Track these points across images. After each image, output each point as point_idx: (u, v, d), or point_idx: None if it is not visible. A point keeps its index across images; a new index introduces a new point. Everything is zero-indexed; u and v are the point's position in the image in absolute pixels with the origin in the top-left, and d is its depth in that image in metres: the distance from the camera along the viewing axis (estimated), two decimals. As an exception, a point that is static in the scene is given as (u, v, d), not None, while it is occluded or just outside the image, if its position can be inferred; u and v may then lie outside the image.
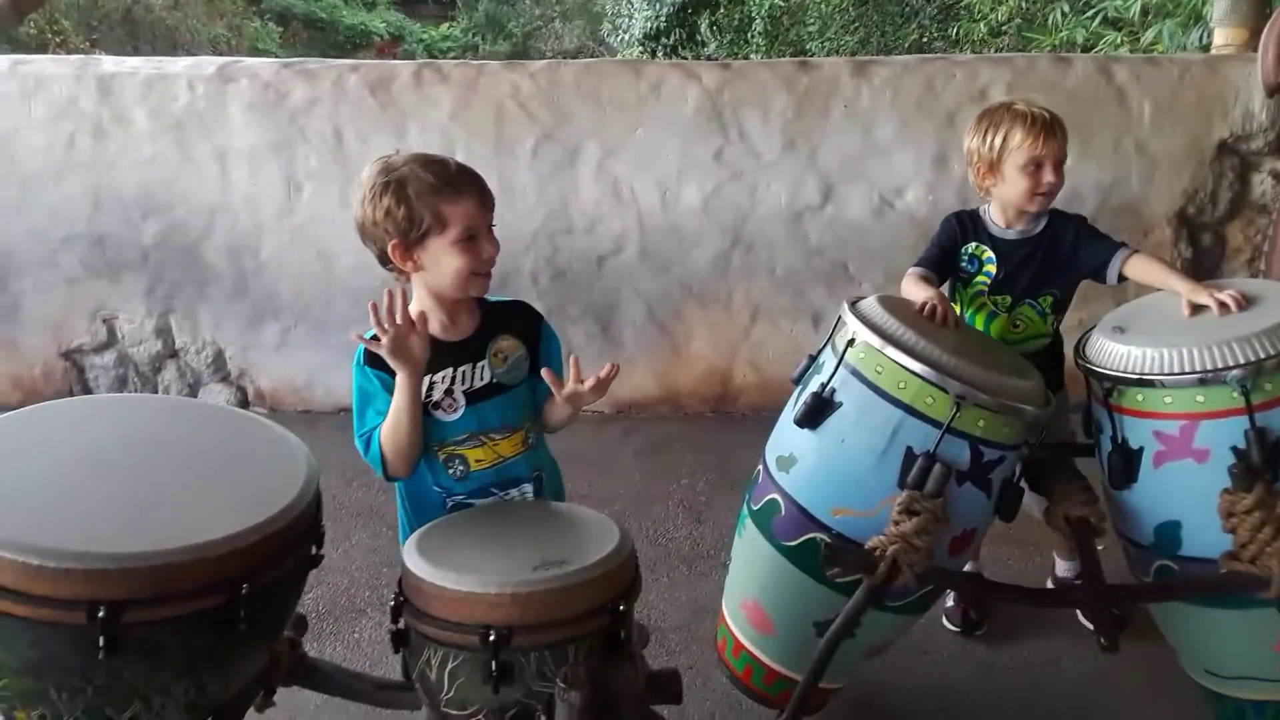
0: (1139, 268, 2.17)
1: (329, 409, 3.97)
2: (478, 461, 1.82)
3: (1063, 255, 2.28)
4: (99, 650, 1.29)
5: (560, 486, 2.00)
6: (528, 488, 1.88)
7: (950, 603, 2.56)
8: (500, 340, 1.84)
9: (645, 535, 3.09)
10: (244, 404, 4.21)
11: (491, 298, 1.87)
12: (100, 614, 1.28)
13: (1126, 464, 1.87)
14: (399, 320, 1.66)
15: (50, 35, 14.78)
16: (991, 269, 2.30)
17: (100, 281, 4.11)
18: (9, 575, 1.27)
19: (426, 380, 1.75)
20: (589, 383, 1.79)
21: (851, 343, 1.91)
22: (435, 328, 1.77)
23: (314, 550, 1.59)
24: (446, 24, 21.53)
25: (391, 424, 1.73)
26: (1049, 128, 2.21)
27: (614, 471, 3.58)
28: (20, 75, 3.98)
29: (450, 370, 1.78)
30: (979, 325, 2.32)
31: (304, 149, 3.95)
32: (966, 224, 2.35)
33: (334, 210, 3.93)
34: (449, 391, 1.78)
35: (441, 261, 1.71)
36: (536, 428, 1.92)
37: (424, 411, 1.76)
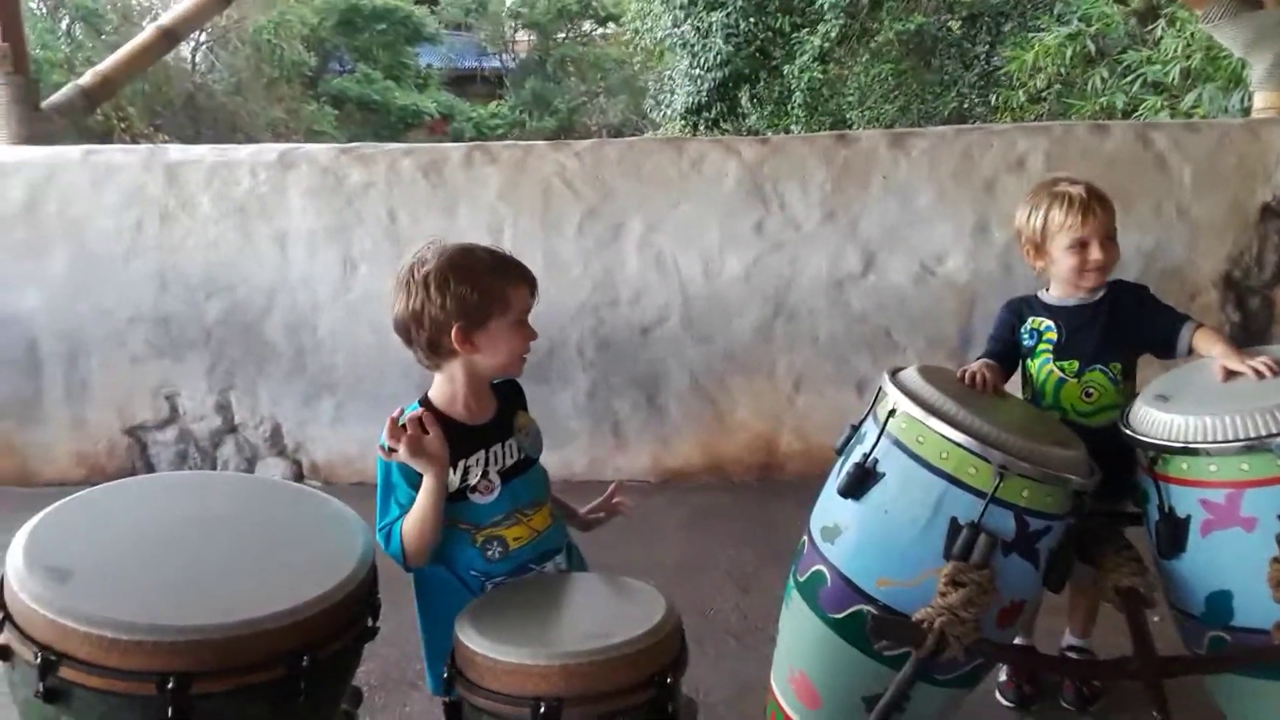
0: (1204, 341, 2.15)
1: (381, 481, 4.04)
2: (516, 540, 1.84)
3: (1126, 321, 2.26)
4: (166, 720, 1.34)
5: (582, 558, 2.04)
6: (560, 559, 1.92)
7: (1003, 676, 2.52)
8: (519, 416, 1.92)
9: (691, 607, 3.07)
10: (299, 477, 4.30)
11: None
12: (169, 685, 1.34)
13: (1174, 533, 1.87)
14: (408, 428, 1.71)
15: (116, 121, 15.48)
16: (1052, 335, 2.28)
17: (164, 360, 4.25)
18: (84, 648, 1.33)
19: (461, 466, 1.79)
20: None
21: (893, 413, 1.94)
22: (461, 413, 1.82)
23: (370, 623, 1.64)
24: (495, 102, 22.18)
25: (417, 519, 1.75)
26: (1087, 207, 2.21)
27: (659, 542, 3.59)
28: (92, 164, 4.19)
29: (483, 452, 1.82)
30: (1049, 395, 2.28)
31: (360, 230, 4.10)
32: (1020, 308, 2.36)
33: (388, 288, 4.03)
34: (484, 474, 1.81)
35: (500, 342, 1.78)
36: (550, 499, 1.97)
37: (461, 497, 1.79)
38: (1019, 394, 2.37)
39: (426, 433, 1.74)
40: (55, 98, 4.79)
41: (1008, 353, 2.34)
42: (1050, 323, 2.30)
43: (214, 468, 4.34)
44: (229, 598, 1.46)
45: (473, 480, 1.80)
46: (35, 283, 4.17)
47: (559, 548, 1.93)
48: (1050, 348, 2.29)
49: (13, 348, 4.21)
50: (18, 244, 4.16)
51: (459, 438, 1.79)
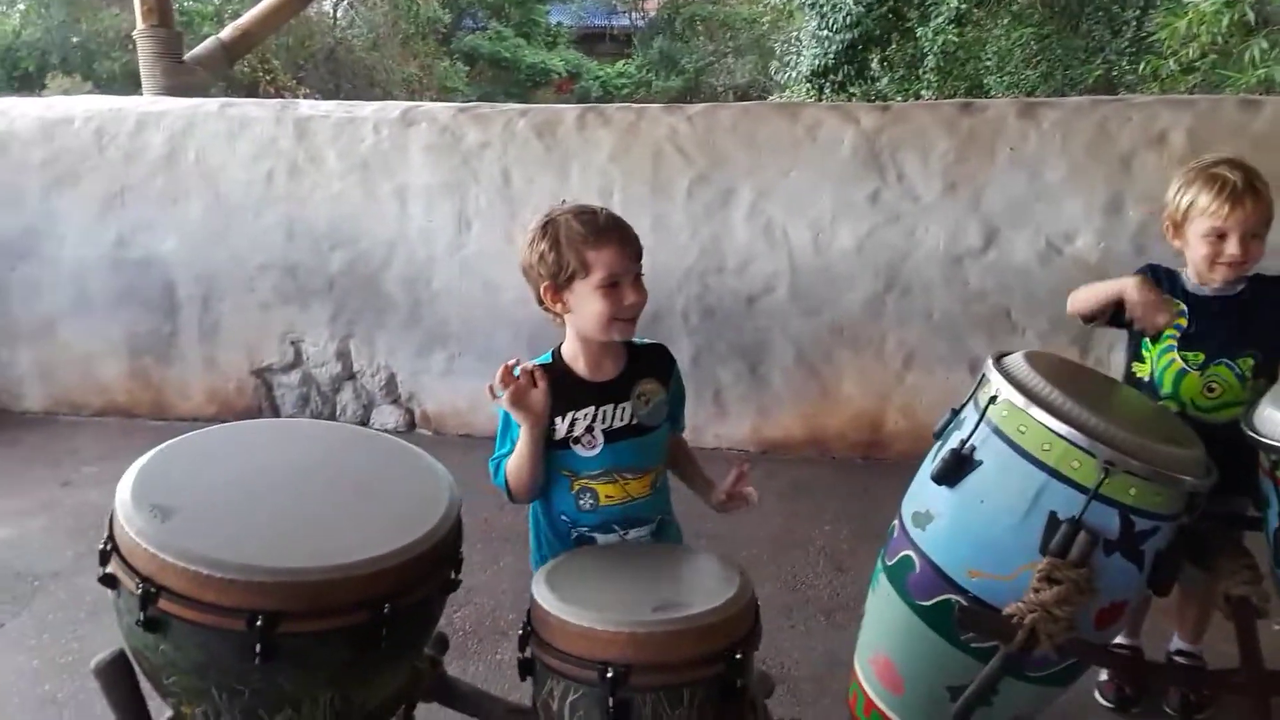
0: None
1: (488, 434, 4.07)
2: (608, 497, 1.87)
3: (1264, 317, 2.12)
4: (255, 656, 1.41)
5: (679, 538, 2.03)
6: (646, 532, 1.92)
7: (1104, 676, 2.42)
8: (644, 383, 1.90)
9: (783, 581, 3.07)
10: (411, 425, 4.45)
11: (635, 340, 1.93)
12: (258, 623, 1.40)
13: (1294, 543, 1.75)
14: (520, 377, 1.77)
15: (261, 74, 16.15)
16: (1182, 321, 2.15)
17: (290, 307, 4.44)
18: (181, 582, 1.41)
19: (570, 416, 1.84)
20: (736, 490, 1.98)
21: (994, 400, 1.88)
22: (582, 368, 1.87)
23: (453, 575, 1.69)
24: (622, 61, 22.15)
25: (515, 463, 1.84)
26: (1238, 197, 2.04)
27: (755, 513, 3.48)
28: (228, 117, 4.38)
29: (593, 409, 1.85)
30: (1168, 385, 2.16)
31: (475, 188, 4.18)
32: (1162, 277, 2.22)
33: (500, 245, 4.13)
34: (589, 429, 1.85)
35: (585, 304, 1.80)
36: (664, 473, 1.97)
37: (564, 445, 1.85)
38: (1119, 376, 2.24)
39: (535, 385, 1.79)
40: (196, 50, 5.03)
41: None
42: (1184, 306, 2.16)
43: (334, 412, 4.54)
44: (318, 543, 1.52)
45: (577, 432, 1.85)
46: (174, 228, 4.42)
47: (649, 519, 1.93)
48: (1177, 334, 2.16)
49: (153, 289, 4.48)
50: (159, 190, 4.40)
51: (574, 390, 1.85)
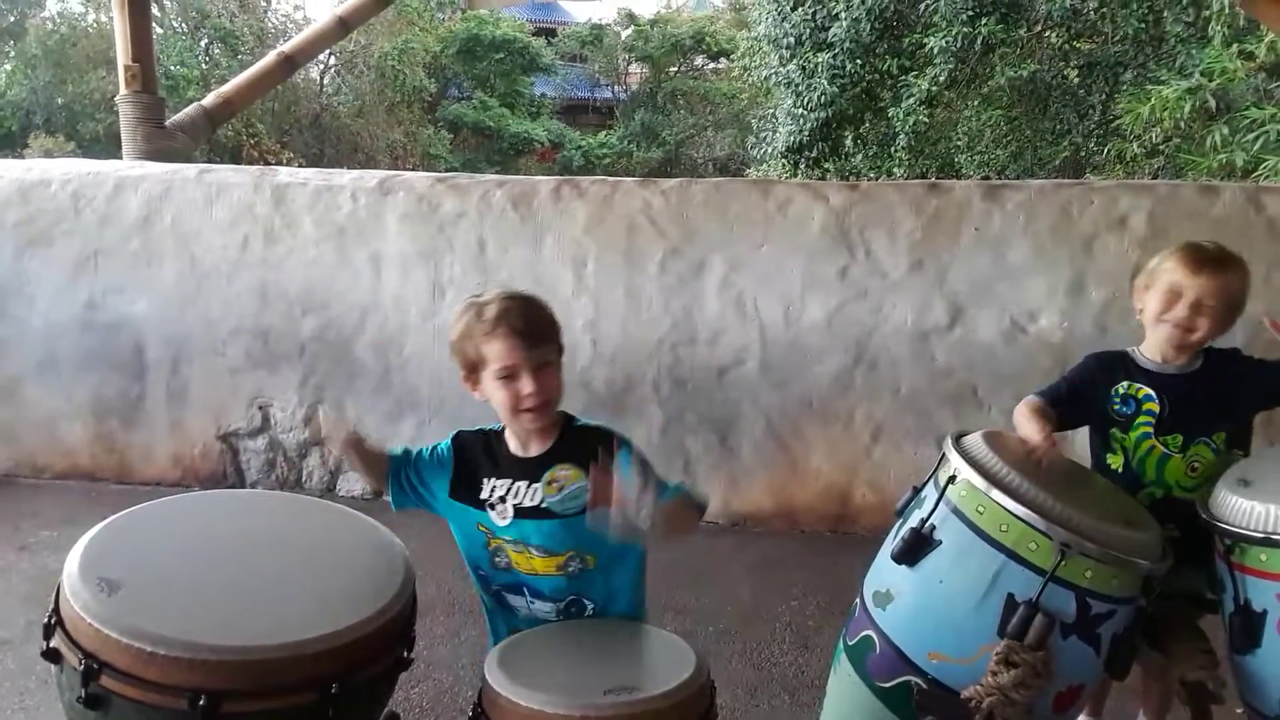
0: None
1: (455, 503, 4.10)
2: (517, 564, 1.88)
3: (1228, 388, 2.11)
4: (197, 736, 1.38)
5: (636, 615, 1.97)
6: (550, 607, 1.89)
7: (1066, 759, 2.39)
8: (559, 469, 1.86)
9: (748, 657, 3.03)
10: (378, 492, 4.38)
11: (581, 421, 1.93)
12: (201, 702, 1.38)
13: (1248, 627, 1.76)
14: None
15: (246, 138, 16.32)
16: (1153, 406, 2.12)
17: (260, 371, 4.42)
18: (124, 659, 1.38)
19: (489, 483, 1.87)
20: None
21: (953, 479, 1.89)
22: (511, 441, 1.89)
23: (404, 654, 1.66)
24: (604, 132, 22.56)
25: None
26: (1201, 263, 2.07)
27: (723, 585, 3.55)
28: (205, 183, 4.41)
29: (510, 482, 1.87)
30: (1150, 472, 2.12)
31: (450, 257, 4.21)
32: (1113, 365, 2.19)
33: (472, 314, 4.14)
34: (503, 499, 1.86)
35: (492, 395, 1.83)
36: (584, 558, 1.87)
37: (481, 508, 1.87)
38: (1087, 462, 2.24)
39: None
40: (178, 116, 5.07)
41: (1075, 401, 2.18)
42: (1151, 391, 2.14)
43: (299, 478, 4.49)
44: (266, 620, 1.50)
45: (492, 499, 1.87)
46: (146, 291, 4.40)
47: (554, 599, 1.89)
48: (1152, 420, 2.12)
49: (122, 351, 4.45)
50: (133, 253, 4.40)
51: (500, 459, 1.89)
